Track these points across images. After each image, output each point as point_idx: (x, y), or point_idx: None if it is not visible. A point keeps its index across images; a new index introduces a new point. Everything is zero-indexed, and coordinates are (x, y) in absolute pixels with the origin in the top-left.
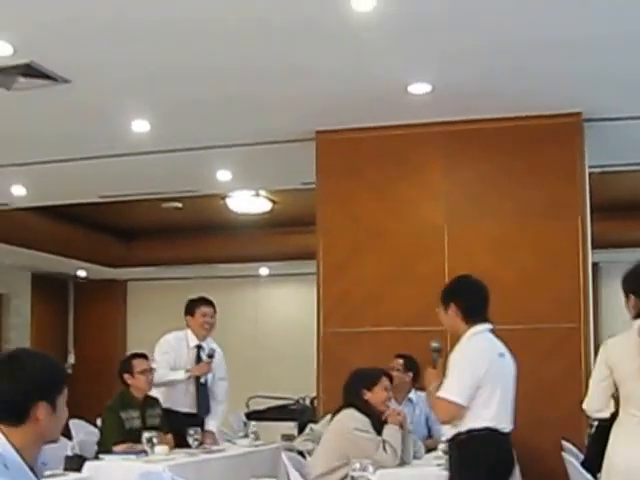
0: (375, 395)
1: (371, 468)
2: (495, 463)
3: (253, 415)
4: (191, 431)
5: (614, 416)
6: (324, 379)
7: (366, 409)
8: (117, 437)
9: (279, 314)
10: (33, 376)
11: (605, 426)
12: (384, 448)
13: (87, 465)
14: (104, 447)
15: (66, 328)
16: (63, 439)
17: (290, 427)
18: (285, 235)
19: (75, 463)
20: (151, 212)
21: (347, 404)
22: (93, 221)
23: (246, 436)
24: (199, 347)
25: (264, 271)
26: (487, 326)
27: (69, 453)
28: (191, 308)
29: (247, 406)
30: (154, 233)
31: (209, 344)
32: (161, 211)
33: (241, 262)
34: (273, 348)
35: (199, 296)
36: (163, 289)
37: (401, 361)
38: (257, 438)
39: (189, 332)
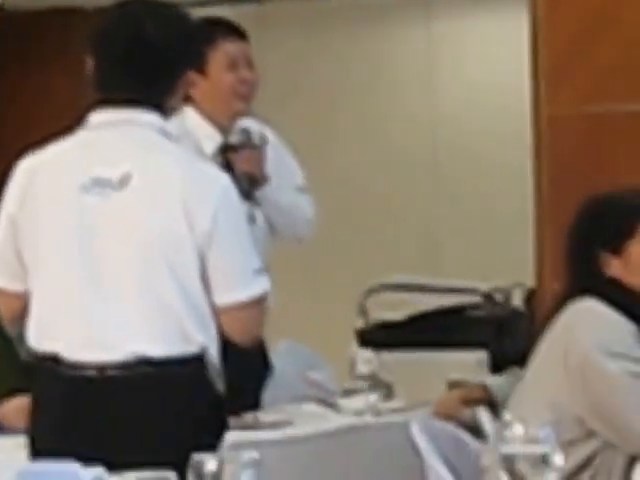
0: (631, 262)
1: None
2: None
3: (376, 336)
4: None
5: None
6: (552, 230)
7: (619, 297)
8: (8, 380)
9: (470, 75)
10: None
11: None
12: None
13: None
14: None
15: None
16: None
17: (470, 364)
18: None
19: None
20: None
21: (578, 288)
22: None
23: (357, 391)
24: (228, 148)
25: None
26: (102, 115)
27: None
28: (195, 49)
29: (362, 313)
30: None
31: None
32: None
33: None
34: (455, 156)
35: (209, 18)
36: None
37: None
38: (388, 394)
39: (192, 116)
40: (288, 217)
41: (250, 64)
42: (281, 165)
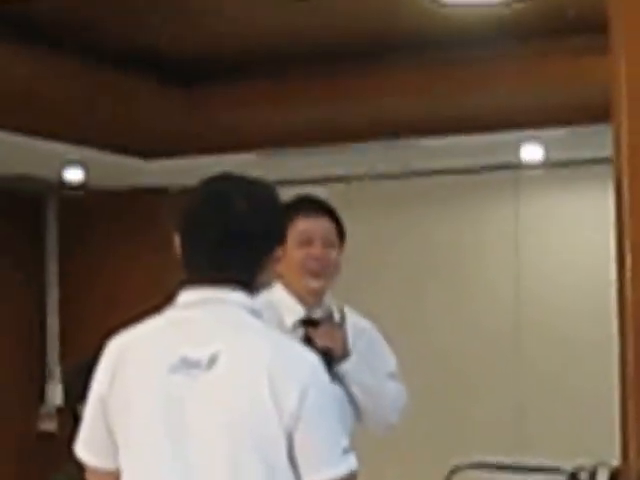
0: None
1: None
2: None
3: None
4: None
5: None
6: (637, 409)
7: None
8: None
9: (556, 255)
10: None
11: None
12: None
13: None
14: None
15: (42, 304)
16: None
17: None
18: (568, 57)
19: None
20: (240, 16)
21: None
22: (104, 50)
23: None
24: (308, 322)
25: (531, 153)
26: (190, 294)
27: None
28: (284, 226)
29: None
30: (247, 67)
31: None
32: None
33: (471, 131)
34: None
35: (296, 197)
36: None
37: None
38: None
39: (279, 288)
40: (373, 400)
41: (328, 241)
42: (373, 349)
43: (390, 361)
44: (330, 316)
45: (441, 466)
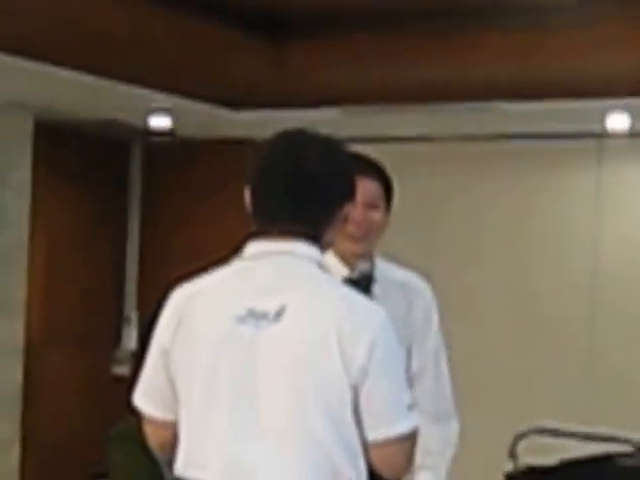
0: None
1: None
2: None
3: None
4: None
5: None
6: None
7: None
8: None
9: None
10: None
11: None
12: None
13: None
14: None
15: (123, 250)
16: None
17: None
18: None
19: None
20: None
21: None
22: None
23: None
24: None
25: (617, 122)
26: (258, 246)
27: None
28: (352, 183)
29: (512, 457)
30: (338, 22)
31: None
32: None
33: (557, 97)
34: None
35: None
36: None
37: None
38: None
39: (332, 256)
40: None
41: (370, 204)
42: (424, 324)
43: (435, 339)
44: (363, 278)
45: (508, 430)
